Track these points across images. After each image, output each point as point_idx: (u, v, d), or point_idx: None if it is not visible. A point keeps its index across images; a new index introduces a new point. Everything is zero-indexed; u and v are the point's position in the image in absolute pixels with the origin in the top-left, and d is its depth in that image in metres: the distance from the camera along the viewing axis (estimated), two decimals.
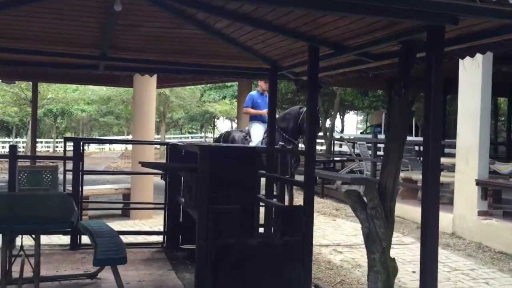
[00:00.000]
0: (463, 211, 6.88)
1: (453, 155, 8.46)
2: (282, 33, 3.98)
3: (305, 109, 7.32)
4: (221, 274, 3.85)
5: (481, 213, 6.74)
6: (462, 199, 6.92)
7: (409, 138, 14.53)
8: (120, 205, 7.83)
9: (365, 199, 3.67)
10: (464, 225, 6.79)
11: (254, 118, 8.30)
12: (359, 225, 7.76)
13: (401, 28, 3.29)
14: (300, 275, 4.08)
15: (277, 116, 8.24)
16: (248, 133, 8.20)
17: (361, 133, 28.20)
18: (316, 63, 4.16)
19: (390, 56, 4.03)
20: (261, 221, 5.15)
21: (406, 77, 3.66)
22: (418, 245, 6.40)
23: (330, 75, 5.06)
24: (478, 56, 3.91)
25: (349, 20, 3.42)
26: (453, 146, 8.23)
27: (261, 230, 5.20)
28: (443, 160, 8.89)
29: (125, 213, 7.63)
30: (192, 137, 35.91)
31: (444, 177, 8.27)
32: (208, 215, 3.79)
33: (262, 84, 8.16)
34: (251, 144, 7.83)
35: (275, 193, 5.36)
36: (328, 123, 20.73)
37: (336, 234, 6.81)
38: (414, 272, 5.21)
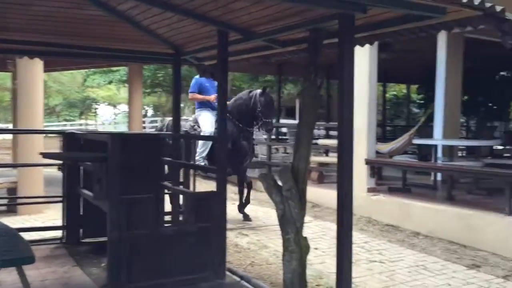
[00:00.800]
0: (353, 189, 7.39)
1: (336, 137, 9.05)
2: (192, 17, 3.90)
3: (255, 92, 6.79)
4: (135, 265, 3.74)
5: (370, 190, 7.31)
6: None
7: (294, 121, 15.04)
8: (5, 201, 7.16)
9: (279, 182, 3.79)
10: (355, 202, 7.21)
11: (202, 105, 7.28)
12: (259, 208, 8.00)
13: (312, 15, 3.40)
14: (214, 260, 4.11)
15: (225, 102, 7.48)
16: (196, 122, 7.18)
17: None
18: (225, 48, 4.16)
19: (297, 42, 4.16)
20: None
21: (315, 63, 3.81)
22: (316, 223, 6.82)
23: (235, 60, 5.08)
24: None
25: (262, 6, 3.45)
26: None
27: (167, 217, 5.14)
28: (329, 142, 9.47)
29: (12, 209, 7.01)
30: (71, 125, 33.82)
31: (332, 158, 8.82)
32: (121, 206, 3.65)
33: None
34: (202, 133, 6.96)
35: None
36: None
37: (239, 218, 6.93)
38: (316, 248, 5.51)
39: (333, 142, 8.91)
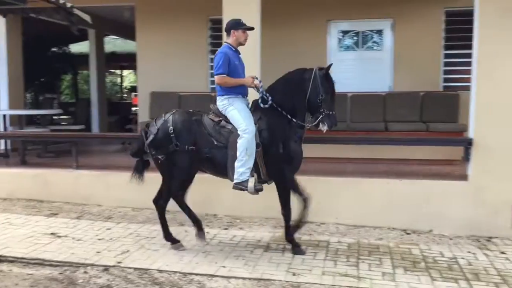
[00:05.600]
0: None
1: None
2: None
3: (314, 71, 4.61)
4: None
5: None
6: None
7: None
8: None
9: None
10: None
11: (230, 91, 4.73)
12: None
13: None
14: None
15: (258, 84, 4.74)
16: (222, 116, 4.75)
17: None
18: None
19: None
20: None
21: None
22: None
23: None
24: None
25: None
26: None
27: None
28: None
29: None
30: None
31: None
32: None
33: (240, 36, 4.84)
34: (244, 135, 4.49)
35: None
36: None
37: None
38: None
39: None
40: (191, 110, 4.89)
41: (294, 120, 4.61)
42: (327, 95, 4.53)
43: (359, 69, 8.45)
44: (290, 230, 4.78)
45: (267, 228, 5.64)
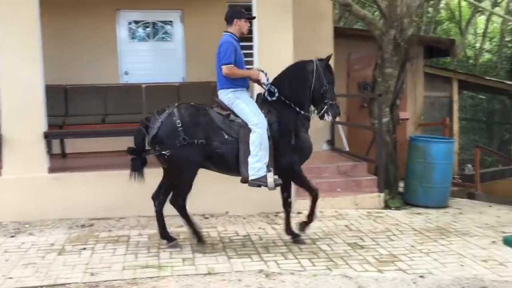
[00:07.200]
0: None
1: None
2: None
3: (315, 62, 4.64)
4: None
5: None
6: None
7: None
8: None
9: None
10: None
11: (235, 83, 4.50)
12: None
13: None
14: None
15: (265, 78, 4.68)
16: (229, 110, 4.51)
17: None
18: None
19: None
20: None
21: None
22: None
23: None
24: None
25: None
26: None
27: None
28: None
29: None
30: None
31: None
32: None
33: (243, 25, 4.59)
34: (257, 129, 4.36)
35: None
36: None
37: None
38: None
39: None
40: (193, 103, 4.60)
41: (302, 112, 4.63)
42: (330, 85, 4.65)
43: (153, 60, 8.43)
44: (300, 225, 4.87)
45: (62, 230, 5.29)
